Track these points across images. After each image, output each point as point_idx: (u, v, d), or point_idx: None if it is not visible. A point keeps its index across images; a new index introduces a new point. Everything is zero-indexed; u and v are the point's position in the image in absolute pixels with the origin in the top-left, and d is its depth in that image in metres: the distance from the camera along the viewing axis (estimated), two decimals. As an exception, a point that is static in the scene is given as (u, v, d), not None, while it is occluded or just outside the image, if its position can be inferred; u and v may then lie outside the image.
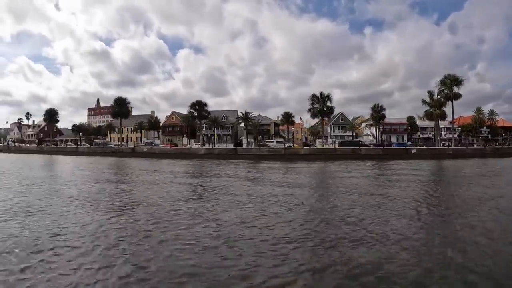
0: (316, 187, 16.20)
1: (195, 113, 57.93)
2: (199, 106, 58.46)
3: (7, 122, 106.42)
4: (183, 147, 58.80)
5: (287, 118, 67.23)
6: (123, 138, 64.01)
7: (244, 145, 61.37)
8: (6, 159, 43.27)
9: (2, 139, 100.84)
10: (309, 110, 58.40)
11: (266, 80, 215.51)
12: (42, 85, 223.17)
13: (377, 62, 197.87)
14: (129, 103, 62.17)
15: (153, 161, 37.09)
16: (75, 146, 64.41)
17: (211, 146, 56.72)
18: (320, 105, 57.10)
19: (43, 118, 73.23)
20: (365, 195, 12.98)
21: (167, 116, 73.59)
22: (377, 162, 34.49)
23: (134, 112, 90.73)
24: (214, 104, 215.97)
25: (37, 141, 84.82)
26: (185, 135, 71.03)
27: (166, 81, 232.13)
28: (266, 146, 52.01)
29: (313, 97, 57.33)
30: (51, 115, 70.96)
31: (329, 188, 15.73)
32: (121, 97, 62.56)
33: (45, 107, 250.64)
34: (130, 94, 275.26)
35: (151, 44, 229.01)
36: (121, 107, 61.84)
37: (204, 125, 71.70)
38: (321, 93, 57.36)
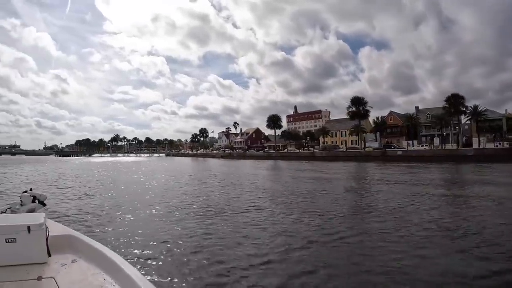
0: None
1: (452, 109, 57.82)
2: (455, 99, 58.05)
3: (212, 132, 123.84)
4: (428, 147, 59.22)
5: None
6: (361, 141, 66.09)
7: (475, 145, 57.83)
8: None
9: (213, 146, 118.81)
10: None
11: (458, 70, 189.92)
12: (233, 98, 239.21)
13: None
14: (366, 102, 65.28)
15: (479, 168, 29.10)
16: (311, 151, 69.32)
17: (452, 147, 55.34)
18: None
19: (266, 125, 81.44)
20: None
21: (383, 116, 75.84)
22: None
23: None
24: (403, 103, 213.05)
25: (246, 147, 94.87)
26: (405, 136, 72.15)
27: (352, 82, 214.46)
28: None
29: None
30: (274, 121, 78.21)
31: None
32: (357, 96, 65.79)
33: (238, 117, 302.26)
34: (317, 100, 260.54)
35: (331, 46, 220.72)
36: (358, 108, 64.96)
37: (426, 125, 72.13)
38: None
